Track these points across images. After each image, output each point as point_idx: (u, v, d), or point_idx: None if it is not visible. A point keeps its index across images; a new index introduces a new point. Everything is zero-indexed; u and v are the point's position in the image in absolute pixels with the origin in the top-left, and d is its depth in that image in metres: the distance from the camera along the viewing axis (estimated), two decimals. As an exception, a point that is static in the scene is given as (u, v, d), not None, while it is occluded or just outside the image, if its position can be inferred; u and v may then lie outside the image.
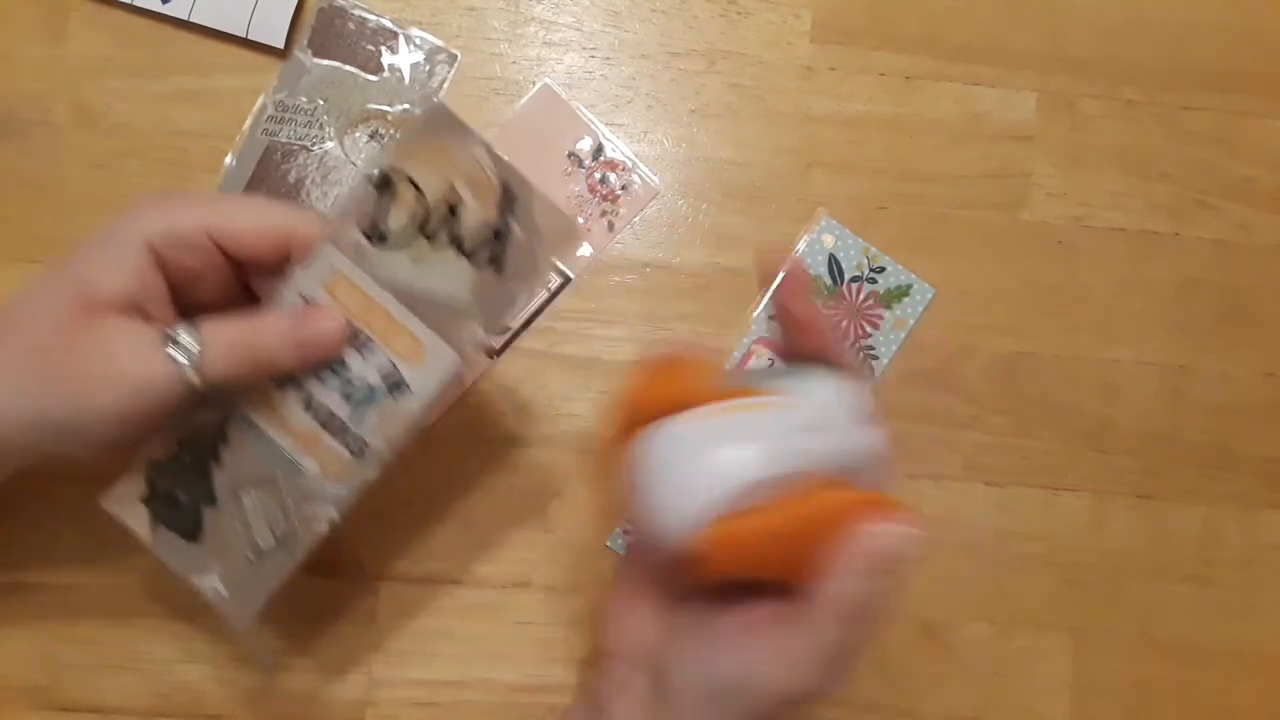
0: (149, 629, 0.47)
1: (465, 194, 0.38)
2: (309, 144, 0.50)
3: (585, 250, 0.51)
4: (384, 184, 0.38)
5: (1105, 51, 0.54)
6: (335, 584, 0.48)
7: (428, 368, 0.38)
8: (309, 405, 0.38)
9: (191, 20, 0.49)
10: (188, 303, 0.39)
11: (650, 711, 0.36)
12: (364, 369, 0.38)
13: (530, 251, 0.38)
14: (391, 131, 0.50)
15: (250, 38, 0.49)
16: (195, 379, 0.36)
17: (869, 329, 0.51)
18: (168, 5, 0.49)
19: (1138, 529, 0.51)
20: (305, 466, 0.38)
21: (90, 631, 0.47)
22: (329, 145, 0.50)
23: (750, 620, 0.34)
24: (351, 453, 0.38)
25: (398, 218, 0.38)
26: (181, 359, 0.35)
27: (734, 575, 0.33)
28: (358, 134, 0.50)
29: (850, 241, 0.52)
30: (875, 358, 0.51)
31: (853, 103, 0.52)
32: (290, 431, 0.38)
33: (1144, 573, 0.51)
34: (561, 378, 0.50)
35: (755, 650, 0.34)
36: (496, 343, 0.43)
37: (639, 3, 0.52)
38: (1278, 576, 0.51)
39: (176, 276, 0.38)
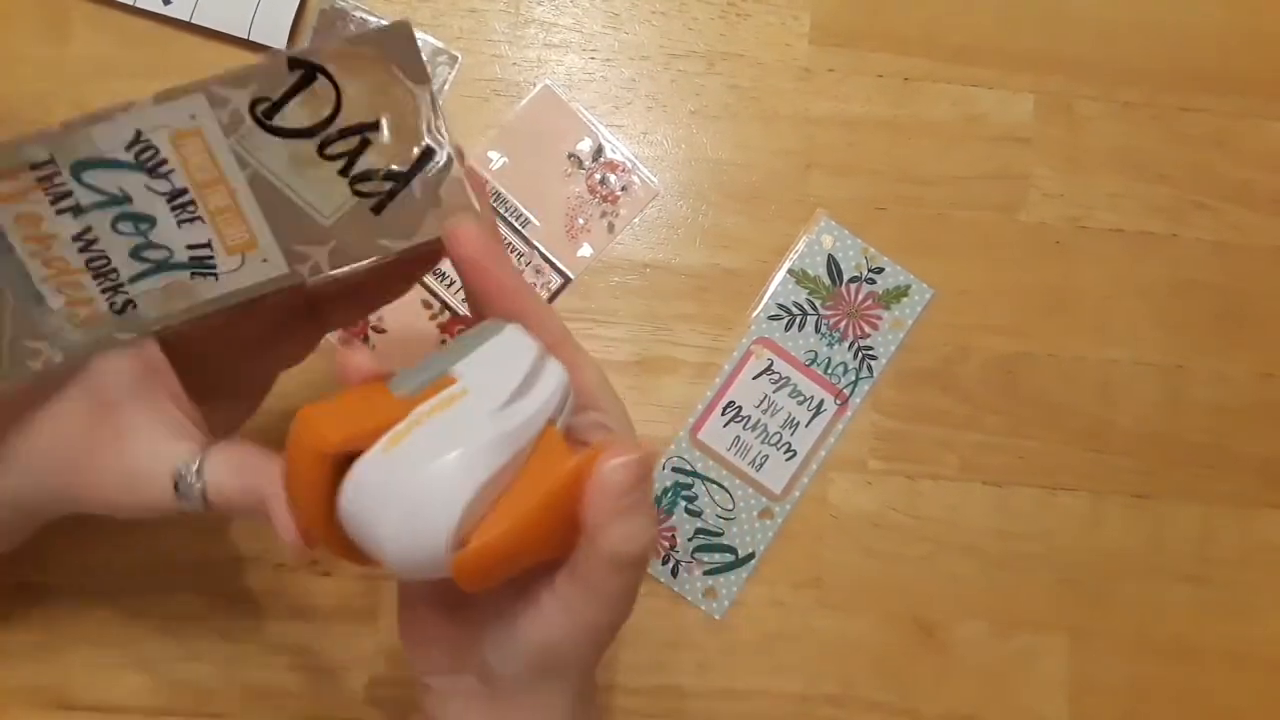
0: (152, 628, 0.47)
1: (385, 134, 0.34)
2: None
3: (585, 251, 0.51)
4: (306, 75, 0.33)
5: (1103, 53, 0.54)
6: (335, 584, 0.48)
7: (248, 269, 0.34)
8: (85, 244, 0.33)
9: (193, 22, 0.49)
10: (186, 353, 0.37)
11: (487, 705, 0.35)
12: (173, 236, 0.34)
13: (417, 215, 0.34)
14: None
15: (252, 39, 0.49)
16: (199, 509, 0.35)
17: (868, 329, 0.51)
18: (169, 6, 0.50)
19: (1135, 529, 0.51)
20: (50, 301, 0.34)
21: (93, 631, 0.47)
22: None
23: (537, 595, 0.33)
24: (112, 309, 0.34)
25: (298, 114, 0.33)
26: (189, 498, 0.35)
27: (500, 581, 0.31)
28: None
29: (849, 242, 0.52)
30: (874, 358, 0.51)
31: (851, 104, 0.53)
32: (49, 262, 0.33)
33: (1141, 572, 0.51)
34: (561, 378, 0.50)
35: (553, 619, 0.33)
36: (321, 279, 0.36)
37: (639, 5, 0.52)
38: (1274, 576, 0.52)
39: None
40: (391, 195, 0.34)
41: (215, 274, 0.34)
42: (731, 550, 0.50)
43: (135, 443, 0.35)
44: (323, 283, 0.36)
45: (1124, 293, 0.53)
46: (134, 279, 0.34)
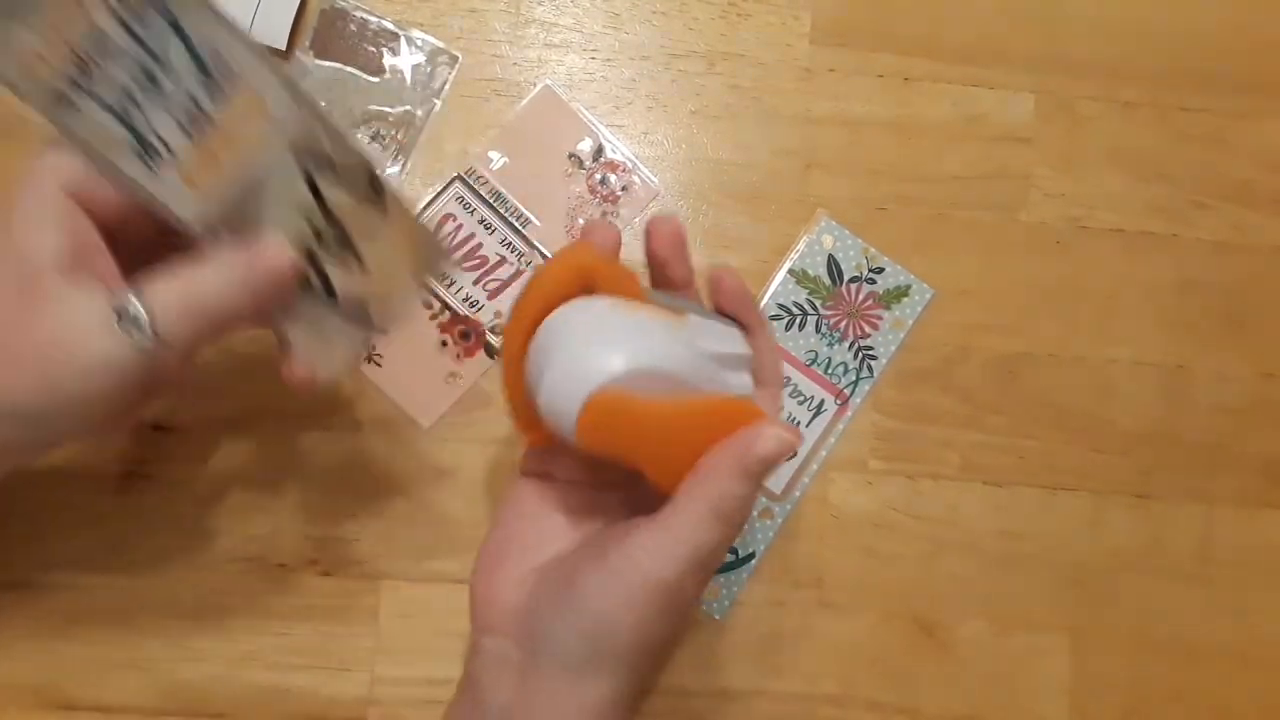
0: (152, 628, 0.47)
1: (370, 275, 0.37)
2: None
3: (586, 251, 0.51)
4: (373, 188, 0.36)
5: (1103, 53, 0.54)
6: (335, 584, 0.48)
7: (180, 196, 0.35)
8: (100, 40, 0.34)
9: (194, 22, 0.49)
10: (128, 243, 0.36)
11: (522, 676, 0.35)
12: (160, 124, 0.35)
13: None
14: (393, 133, 0.50)
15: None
16: (151, 347, 0.33)
17: (868, 329, 0.51)
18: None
19: (1136, 528, 0.51)
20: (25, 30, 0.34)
21: (93, 631, 0.47)
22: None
23: (607, 555, 0.34)
24: (64, 89, 0.34)
25: (336, 193, 0.36)
26: (134, 332, 0.33)
27: (608, 449, 0.34)
28: (359, 135, 0.50)
29: (849, 242, 0.52)
30: (874, 358, 0.51)
31: (852, 104, 0.53)
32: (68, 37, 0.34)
33: (1142, 572, 0.51)
34: (562, 378, 0.50)
35: (614, 584, 0.33)
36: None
37: (639, 5, 0.52)
38: (1275, 576, 0.52)
39: (105, 217, 0.35)
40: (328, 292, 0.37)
41: (155, 172, 0.35)
42: (732, 550, 0.50)
43: (66, 303, 0.33)
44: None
45: (1125, 292, 0.53)
46: (96, 97, 0.34)
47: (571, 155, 0.51)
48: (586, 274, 0.35)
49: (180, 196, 0.35)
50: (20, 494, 0.47)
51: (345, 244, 0.36)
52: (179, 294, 0.34)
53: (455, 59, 0.51)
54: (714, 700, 0.49)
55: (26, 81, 0.34)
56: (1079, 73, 0.54)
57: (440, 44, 0.51)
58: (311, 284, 0.36)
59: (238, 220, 0.35)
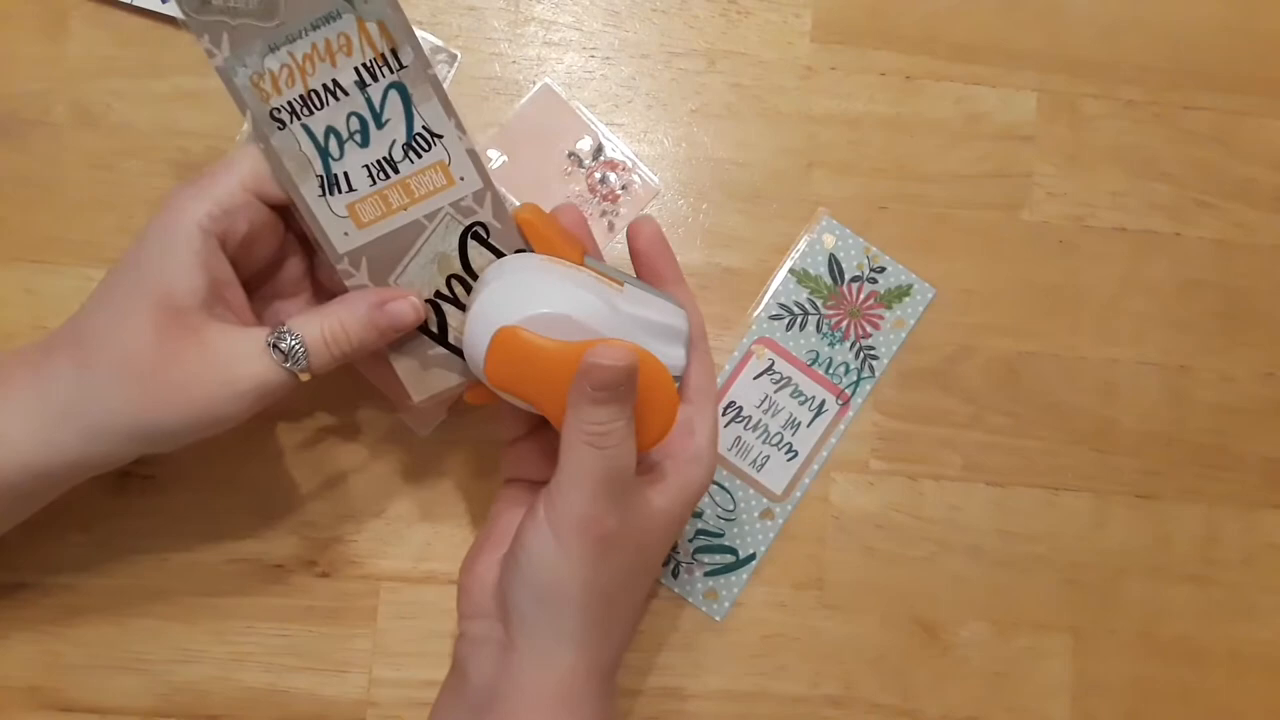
0: (150, 629, 0.47)
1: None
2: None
3: (585, 250, 0.51)
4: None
5: (1106, 51, 0.54)
6: (333, 585, 0.48)
7: (348, 234, 0.39)
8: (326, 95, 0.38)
9: (191, 20, 0.49)
10: (247, 267, 0.40)
11: (502, 652, 0.38)
12: (357, 159, 0.39)
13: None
14: None
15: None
16: (306, 376, 0.38)
17: (869, 329, 0.51)
18: (168, 4, 0.49)
19: (1138, 529, 0.51)
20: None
21: (91, 632, 0.47)
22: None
23: (535, 507, 0.38)
24: (276, 115, 0.38)
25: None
26: (289, 362, 0.37)
27: (512, 389, 0.37)
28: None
29: (850, 241, 0.52)
30: (875, 358, 0.51)
31: (853, 102, 0.52)
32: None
33: (1144, 572, 0.51)
34: (562, 378, 0.50)
35: (541, 525, 0.37)
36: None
37: (639, 2, 0.52)
38: (1278, 576, 0.51)
39: (235, 249, 0.39)
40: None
41: (326, 200, 0.39)
42: (732, 551, 0.50)
43: (216, 335, 0.37)
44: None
45: (1127, 292, 0.53)
46: (308, 129, 0.38)
47: (571, 154, 0.51)
48: (525, 229, 0.39)
49: (341, 228, 0.39)
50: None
51: (468, 293, 0.40)
52: (322, 328, 0.38)
53: (454, 57, 0.51)
54: (715, 702, 0.49)
55: (252, 96, 0.37)
56: (1081, 71, 0.53)
57: (439, 42, 0.51)
58: (428, 324, 0.40)
59: (381, 261, 0.39)
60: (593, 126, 0.51)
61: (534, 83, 0.51)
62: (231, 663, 0.47)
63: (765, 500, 0.50)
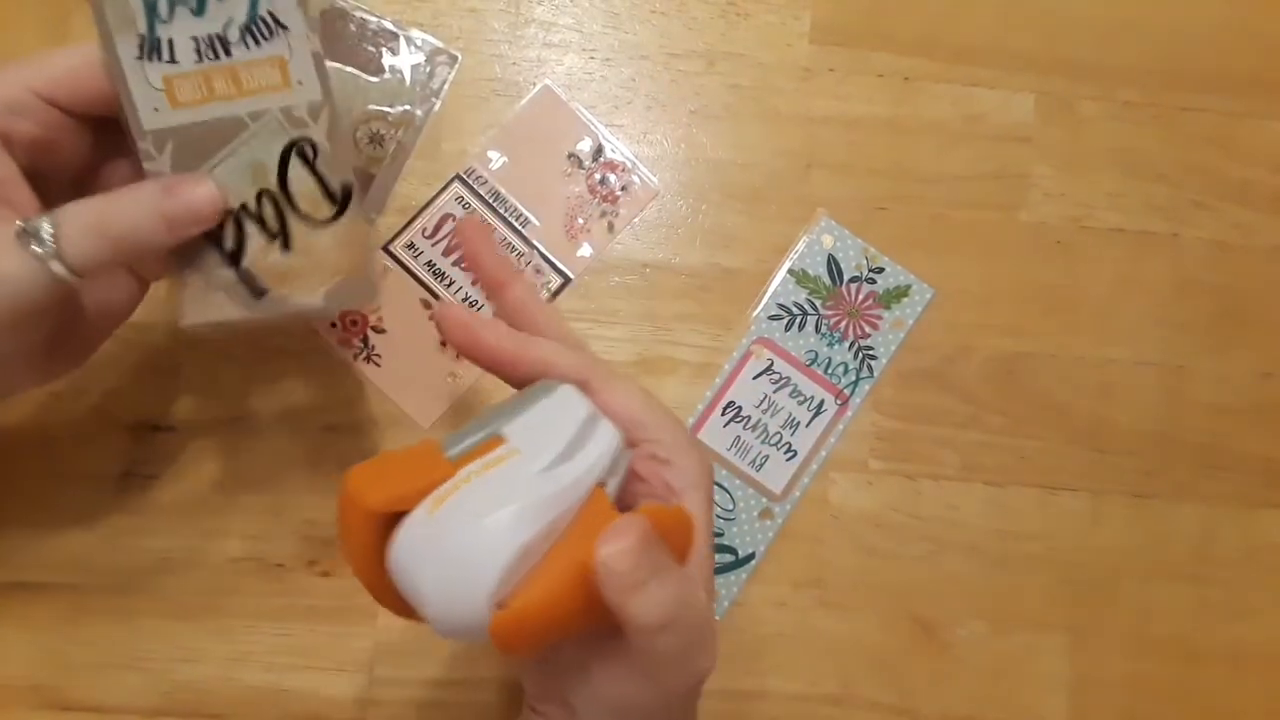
0: (151, 629, 0.47)
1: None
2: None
3: (585, 251, 0.51)
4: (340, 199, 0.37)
5: (1103, 53, 0.54)
6: (335, 584, 0.48)
7: (158, 111, 0.35)
8: None
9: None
10: (54, 179, 0.36)
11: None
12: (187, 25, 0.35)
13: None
14: (393, 132, 0.50)
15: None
16: (60, 270, 0.33)
17: (868, 329, 0.51)
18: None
19: (1135, 528, 0.51)
20: None
21: (92, 631, 0.47)
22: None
23: (609, 652, 0.33)
24: None
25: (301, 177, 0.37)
26: (39, 250, 0.32)
27: (543, 646, 0.31)
28: (358, 135, 0.50)
29: (849, 242, 0.52)
30: (874, 358, 0.51)
31: (852, 104, 0.53)
32: None
33: (1141, 572, 0.51)
34: (562, 378, 0.50)
35: (624, 678, 0.33)
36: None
37: (639, 4, 0.52)
38: (1274, 576, 0.52)
39: (25, 152, 0.35)
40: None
41: (142, 67, 0.35)
42: (732, 550, 0.50)
43: None
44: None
45: (1125, 292, 0.53)
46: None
47: (571, 155, 0.51)
48: (384, 511, 0.31)
49: (153, 102, 0.34)
50: (20, 494, 0.47)
51: (280, 222, 0.36)
52: (90, 213, 0.33)
53: (455, 59, 0.51)
54: (713, 701, 0.49)
55: None
56: (1079, 72, 0.54)
57: (440, 44, 0.51)
58: (224, 239, 0.36)
59: (189, 151, 0.35)
60: (592, 128, 0.52)
61: (534, 84, 0.52)
62: (233, 662, 0.47)
63: (764, 500, 0.50)
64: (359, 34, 0.51)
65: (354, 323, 0.50)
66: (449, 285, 0.50)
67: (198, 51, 0.34)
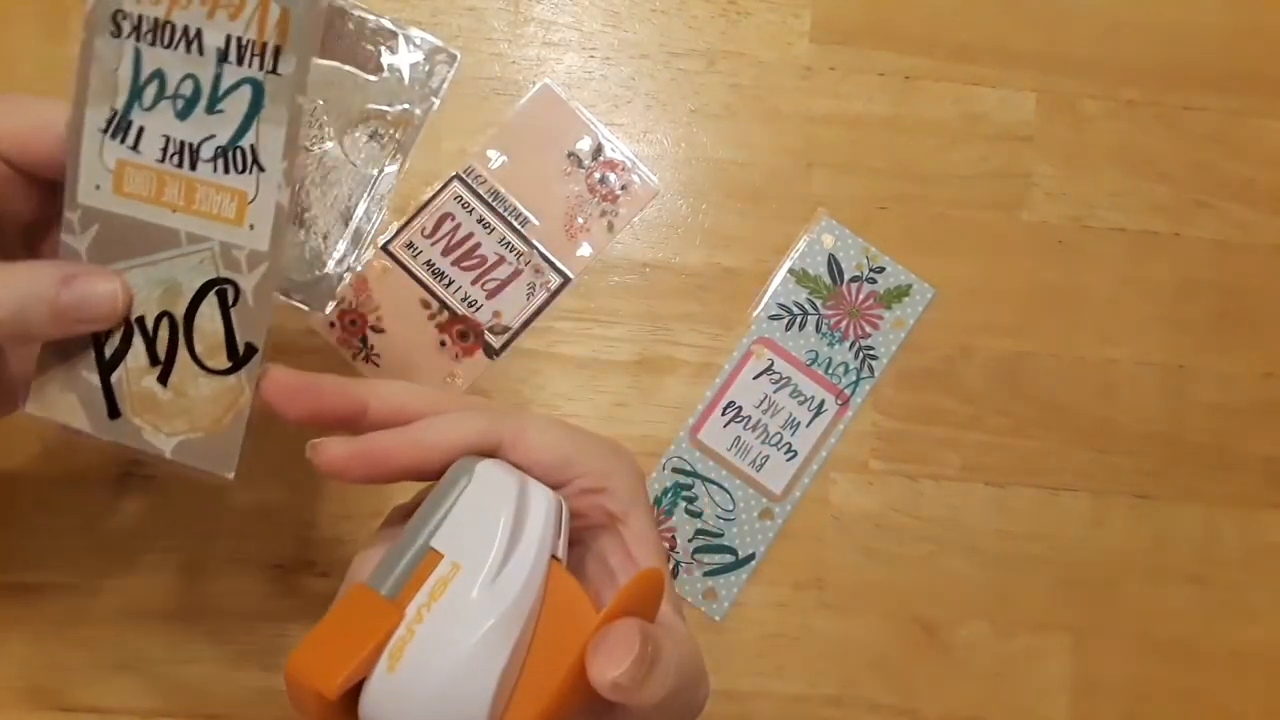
0: (149, 629, 0.47)
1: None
2: (308, 144, 0.50)
3: (585, 250, 0.51)
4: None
5: (1105, 52, 0.54)
6: (335, 584, 0.48)
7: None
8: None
9: (191, 20, 0.49)
10: (4, 228, 0.34)
11: None
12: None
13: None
14: (391, 132, 0.50)
15: (250, 38, 0.49)
16: None
17: (869, 329, 0.51)
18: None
19: (1137, 529, 0.51)
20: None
21: (91, 632, 0.47)
22: (328, 145, 0.50)
23: None
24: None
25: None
26: None
27: None
28: (357, 134, 0.50)
29: (850, 241, 0.52)
30: (875, 358, 0.51)
31: (852, 103, 0.52)
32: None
33: (1143, 572, 0.51)
34: (561, 378, 0.50)
35: None
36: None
37: (639, 3, 0.52)
38: (1277, 577, 0.51)
39: None
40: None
41: (101, 144, 0.33)
42: (732, 551, 0.50)
43: None
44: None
45: (1126, 292, 0.53)
46: (138, 54, 0.32)
47: (570, 154, 0.51)
48: (340, 691, 0.28)
49: (98, 179, 0.33)
50: (19, 495, 0.47)
51: (169, 353, 0.33)
52: None
53: (454, 57, 0.51)
54: (714, 702, 0.48)
55: None
56: (1081, 71, 0.53)
57: (439, 42, 0.51)
58: (105, 343, 0.33)
59: (111, 242, 0.33)
60: (592, 127, 0.51)
61: (534, 83, 0.51)
62: (231, 663, 0.47)
63: (764, 500, 0.50)
64: (357, 32, 0.50)
65: (353, 323, 0.49)
66: (448, 285, 0.50)
67: (164, 150, 0.33)
